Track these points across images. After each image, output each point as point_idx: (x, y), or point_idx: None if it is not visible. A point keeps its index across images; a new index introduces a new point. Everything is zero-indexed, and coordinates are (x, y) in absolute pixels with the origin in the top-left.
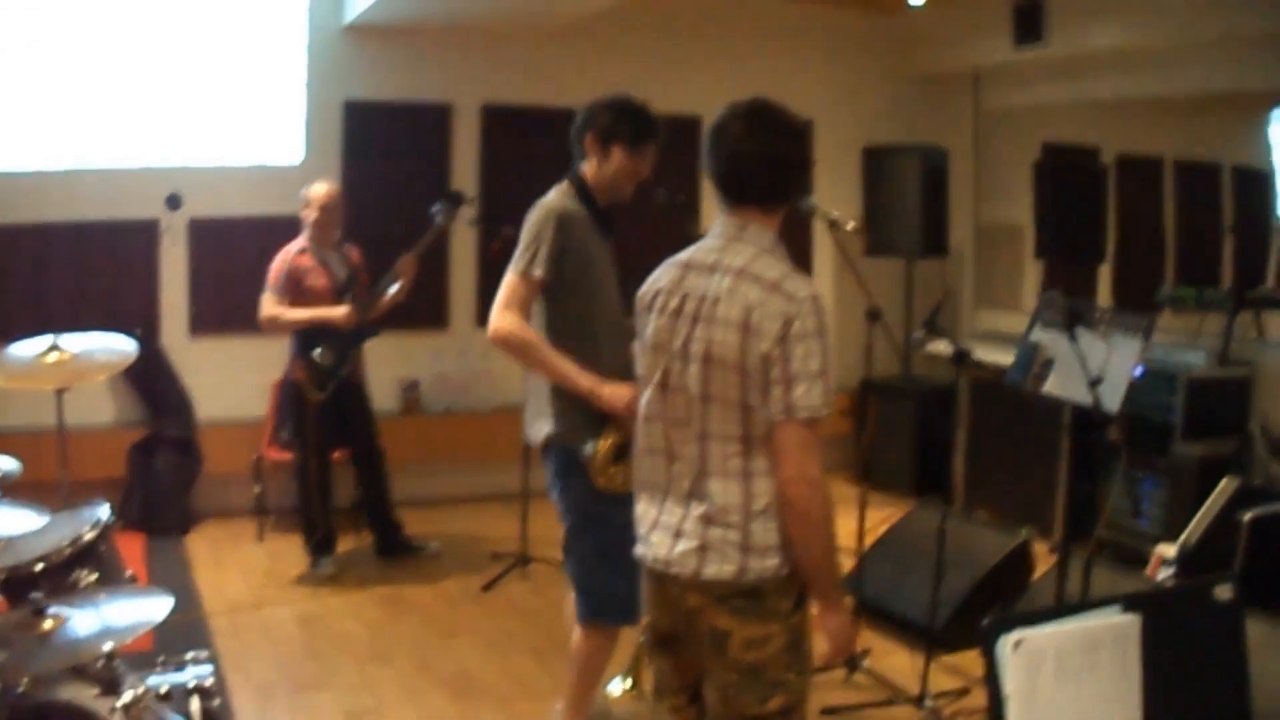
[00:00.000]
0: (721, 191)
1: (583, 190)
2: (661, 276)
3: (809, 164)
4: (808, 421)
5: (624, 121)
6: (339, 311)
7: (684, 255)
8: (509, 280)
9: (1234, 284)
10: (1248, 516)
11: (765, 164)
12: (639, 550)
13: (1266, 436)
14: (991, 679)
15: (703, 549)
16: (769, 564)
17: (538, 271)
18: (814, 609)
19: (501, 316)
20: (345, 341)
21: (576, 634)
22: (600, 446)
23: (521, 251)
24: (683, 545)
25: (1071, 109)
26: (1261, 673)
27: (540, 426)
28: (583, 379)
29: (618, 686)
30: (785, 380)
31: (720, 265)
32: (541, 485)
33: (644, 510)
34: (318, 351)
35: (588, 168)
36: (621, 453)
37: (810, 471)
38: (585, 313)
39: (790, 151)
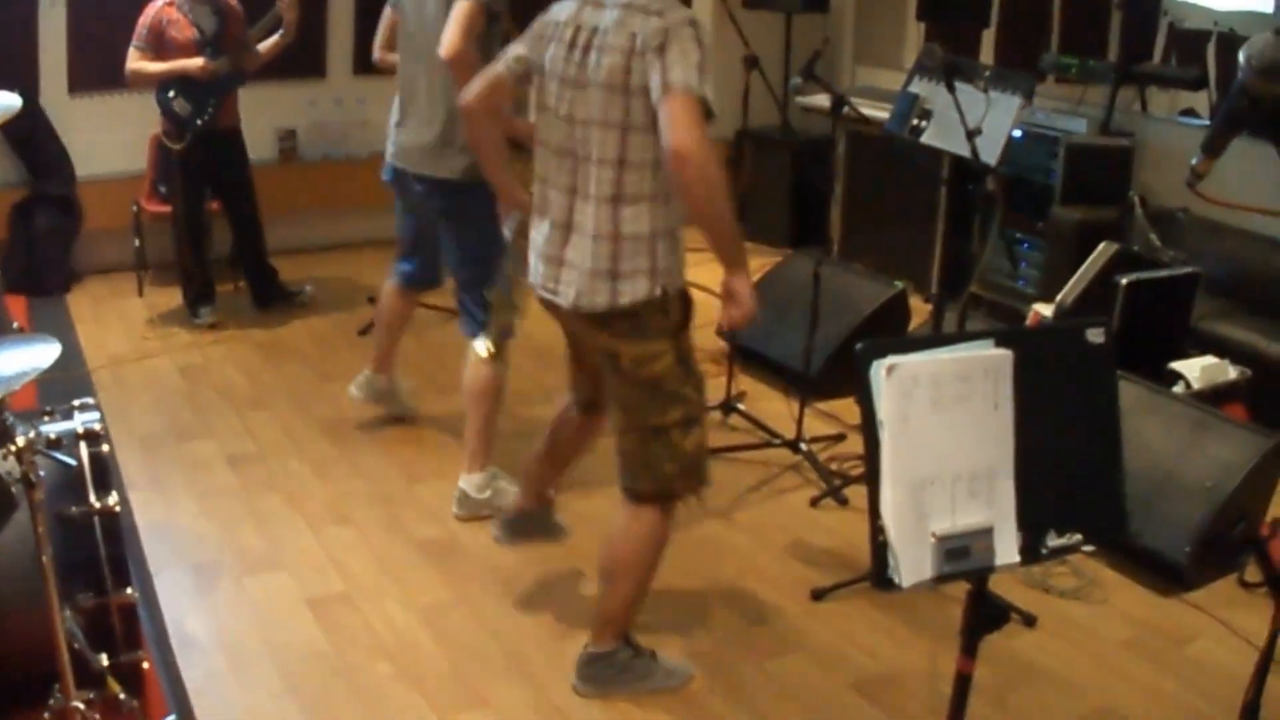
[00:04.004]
0: None
1: None
2: (560, 10)
3: None
4: (686, 93)
5: None
6: (195, 63)
7: None
8: (468, 8)
9: (1120, 57)
10: (1125, 280)
11: None
12: (529, 275)
13: (1146, 206)
14: (865, 404)
15: (578, 277)
16: (640, 287)
17: (498, 9)
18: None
19: (463, 40)
20: (206, 92)
21: (477, 360)
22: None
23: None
24: (562, 274)
25: None
26: (1133, 433)
27: (458, 160)
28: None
29: (482, 346)
30: (662, 68)
31: (611, 1)
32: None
33: (533, 237)
34: (177, 101)
35: None
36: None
37: (695, 135)
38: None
39: None
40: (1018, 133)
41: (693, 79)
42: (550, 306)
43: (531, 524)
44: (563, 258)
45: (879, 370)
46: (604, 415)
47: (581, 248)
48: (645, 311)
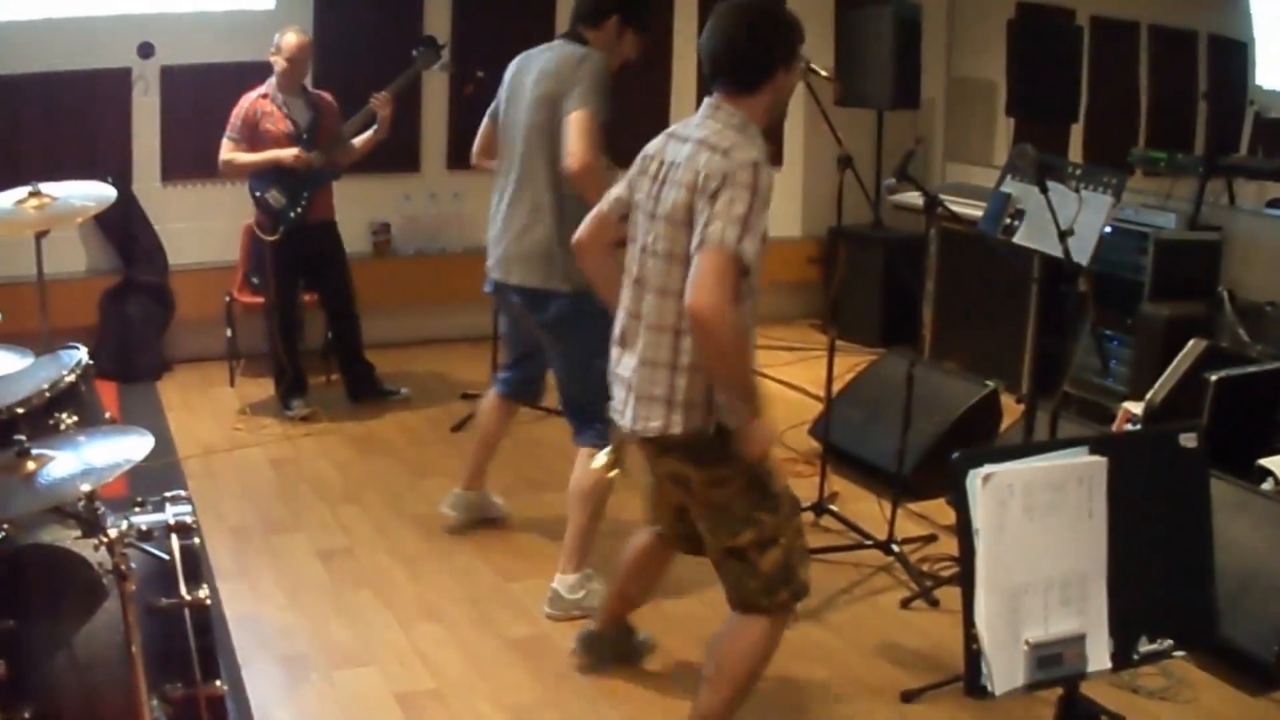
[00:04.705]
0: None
1: None
2: (653, 143)
3: (768, 59)
4: (719, 250)
5: (644, 12)
6: (289, 153)
7: (673, 126)
8: (586, 118)
9: (1206, 150)
10: (1214, 377)
11: (726, 57)
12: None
13: (1235, 301)
14: (961, 512)
15: (638, 402)
16: (694, 418)
17: (603, 119)
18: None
19: (587, 151)
20: (300, 183)
21: (583, 464)
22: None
23: (594, 96)
24: (629, 398)
25: None
26: (1222, 531)
27: (556, 271)
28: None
29: (600, 460)
30: (708, 219)
31: (690, 136)
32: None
33: (613, 361)
34: (270, 193)
35: (596, 39)
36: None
37: (714, 297)
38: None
39: (748, 47)
40: (1107, 229)
41: (730, 235)
42: (621, 429)
43: (607, 646)
44: (628, 381)
45: (974, 479)
46: (673, 548)
47: (642, 373)
48: (700, 443)
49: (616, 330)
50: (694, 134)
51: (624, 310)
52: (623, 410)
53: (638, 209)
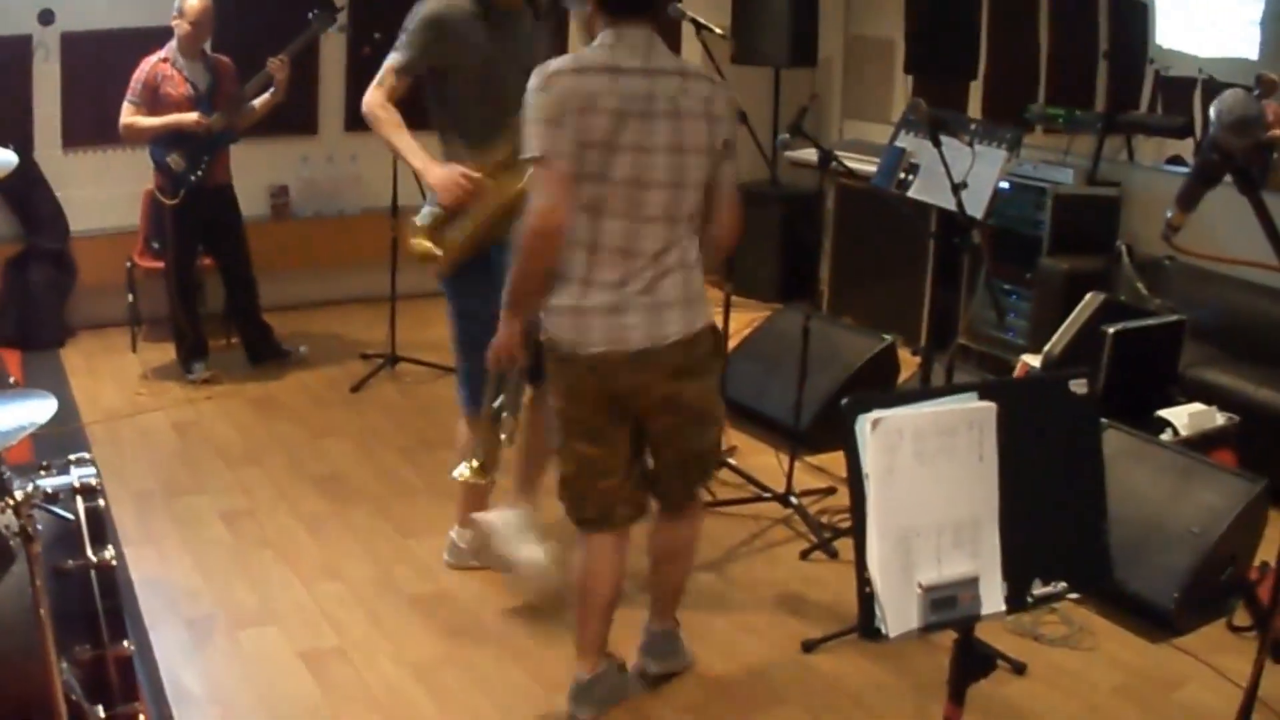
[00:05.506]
0: (623, 6)
1: None
2: (585, 82)
3: None
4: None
5: None
6: (190, 117)
7: (597, 61)
8: (386, 64)
9: (1106, 107)
10: (1112, 330)
11: None
12: (590, 344)
13: (1133, 255)
14: (851, 457)
15: (685, 307)
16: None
17: (405, 66)
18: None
19: (371, 93)
20: (199, 147)
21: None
22: (431, 216)
23: (400, 45)
24: (666, 312)
25: None
26: (1122, 481)
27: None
28: (415, 158)
29: (465, 469)
30: (733, 149)
31: (666, 68)
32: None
33: (596, 302)
34: (171, 157)
35: None
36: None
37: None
38: (465, 106)
39: None
40: (1005, 184)
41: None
42: (609, 366)
43: (604, 689)
44: (655, 302)
45: (864, 424)
46: (688, 503)
47: (680, 280)
48: (715, 338)
49: (613, 275)
50: (666, 64)
51: (635, 256)
52: (648, 326)
53: (638, 150)
